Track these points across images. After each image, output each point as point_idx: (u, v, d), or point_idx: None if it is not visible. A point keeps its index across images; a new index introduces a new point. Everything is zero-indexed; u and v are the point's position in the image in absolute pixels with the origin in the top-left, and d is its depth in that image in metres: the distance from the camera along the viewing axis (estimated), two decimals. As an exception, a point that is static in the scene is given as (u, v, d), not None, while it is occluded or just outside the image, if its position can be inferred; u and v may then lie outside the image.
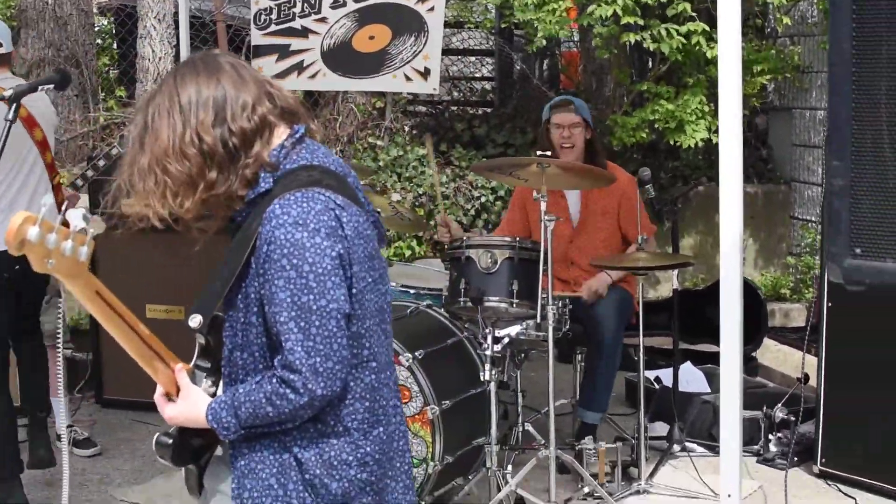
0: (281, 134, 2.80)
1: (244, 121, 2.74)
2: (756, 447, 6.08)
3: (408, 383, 5.09)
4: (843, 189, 2.66)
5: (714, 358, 5.60)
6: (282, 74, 7.41)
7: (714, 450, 5.87)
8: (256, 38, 7.50)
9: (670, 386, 6.20)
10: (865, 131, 2.64)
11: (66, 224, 2.42)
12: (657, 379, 6.86)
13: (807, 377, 5.95)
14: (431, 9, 7.11)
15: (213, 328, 2.81)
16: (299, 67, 7.40)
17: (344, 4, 7.34)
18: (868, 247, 2.67)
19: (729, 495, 3.38)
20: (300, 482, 2.73)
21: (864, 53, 2.61)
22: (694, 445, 6.08)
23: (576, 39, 10.54)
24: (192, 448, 2.86)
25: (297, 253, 2.62)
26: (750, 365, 7.65)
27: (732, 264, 3.34)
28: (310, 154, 2.81)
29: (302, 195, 2.67)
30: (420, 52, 7.21)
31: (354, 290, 2.73)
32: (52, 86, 5.37)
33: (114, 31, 11.44)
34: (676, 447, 5.95)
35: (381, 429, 2.83)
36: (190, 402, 2.77)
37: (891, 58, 2.58)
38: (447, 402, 5.12)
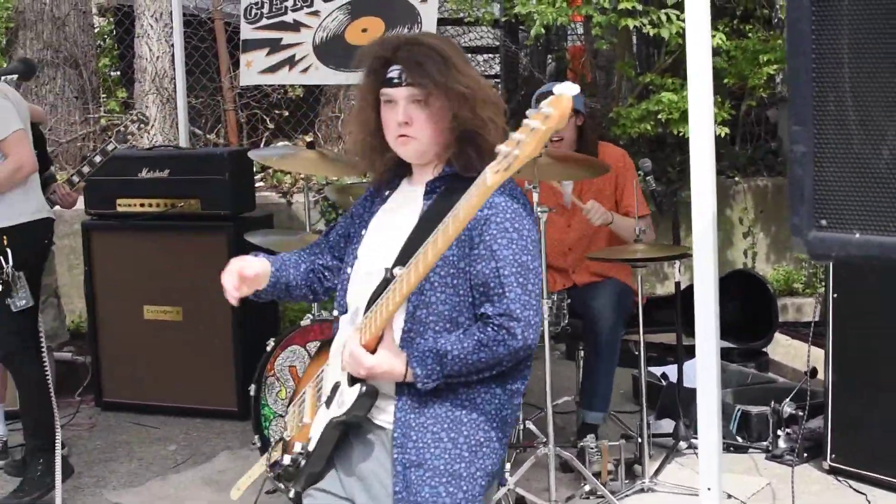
0: None
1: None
2: (765, 443, 5.95)
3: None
4: (806, 156, 2.51)
5: (723, 353, 5.49)
6: (273, 68, 7.29)
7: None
8: (246, 32, 7.37)
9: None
10: (827, 93, 2.47)
11: None
12: (664, 375, 6.71)
13: (815, 371, 5.81)
14: (425, 0, 6.99)
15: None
16: (291, 62, 7.28)
17: (336, -3, 7.20)
18: (834, 218, 2.51)
19: (709, 488, 3.28)
20: (478, 434, 2.97)
21: (824, 8, 2.45)
22: (700, 442, 5.92)
23: (580, 33, 10.41)
24: None
25: (517, 218, 2.93)
26: (761, 360, 7.52)
27: (706, 247, 3.23)
28: None
29: None
30: (414, 43, 7.08)
31: None
32: (16, 76, 5.36)
33: (112, 32, 11.34)
34: (682, 444, 5.80)
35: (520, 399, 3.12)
36: (392, 351, 2.93)
37: (852, 12, 2.42)
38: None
